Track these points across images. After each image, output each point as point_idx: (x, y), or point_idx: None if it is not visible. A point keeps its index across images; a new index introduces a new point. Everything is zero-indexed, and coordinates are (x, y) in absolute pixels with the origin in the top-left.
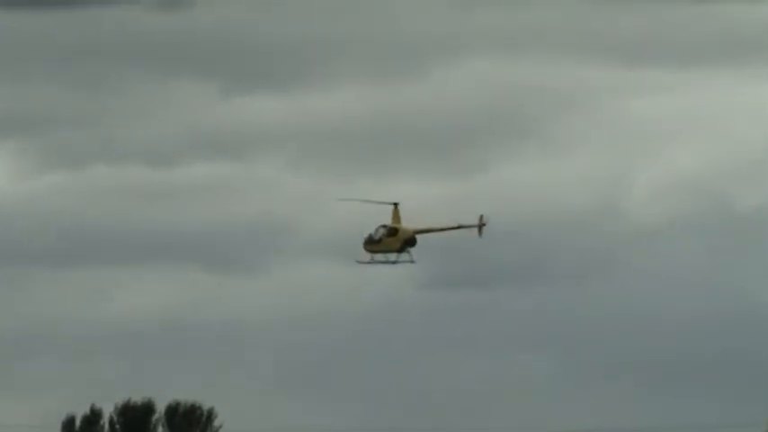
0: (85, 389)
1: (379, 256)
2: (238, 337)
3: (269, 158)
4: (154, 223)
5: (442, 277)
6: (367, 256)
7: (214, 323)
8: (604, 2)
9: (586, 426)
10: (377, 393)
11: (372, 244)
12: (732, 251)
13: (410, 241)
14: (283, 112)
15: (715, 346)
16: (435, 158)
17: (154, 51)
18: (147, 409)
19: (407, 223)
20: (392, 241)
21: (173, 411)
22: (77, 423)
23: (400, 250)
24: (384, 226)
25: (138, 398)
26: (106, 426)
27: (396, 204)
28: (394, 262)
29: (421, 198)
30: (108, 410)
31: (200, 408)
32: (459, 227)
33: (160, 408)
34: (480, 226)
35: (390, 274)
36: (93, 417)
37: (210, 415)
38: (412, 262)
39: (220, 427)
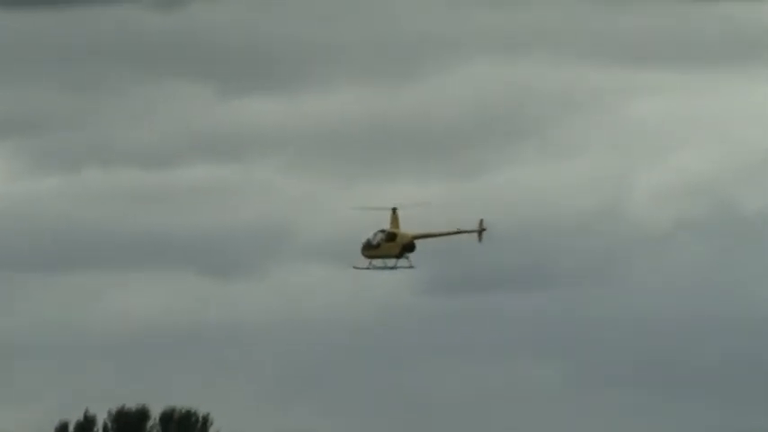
0: (79, 394)
1: (378, 262)
2: (235, 342)
3: (266, 161)
4: (149, 227)
5: (442, 282)
6: (365, 261)
7: (210, 328)
8: (604, 2)
9: None
10: (375, 399)
11: (370, 249)
12: (736, 254)
13: (409, 246)
14: (281, 114)
15: (720, 351)
16: (434, 160)
17: (150, 52)
18: (142, 415)
19: (406, 226)
20: (391, 246)
21: (168, 417)
22: (71, 429)
23: (399, 256)
24: (382, 231)
25: (132, 404)
26: None
27: (394, 209)
28: (393, 268)
29: (420, 200)
30: (102, 417)
31: (195, 414)
32: (459, 232)
33: (155, 414)
34: (480, 231)
35: (389, 279)
36: (87, 423)
37: (206, 421)
38: (411, 267)
39: None
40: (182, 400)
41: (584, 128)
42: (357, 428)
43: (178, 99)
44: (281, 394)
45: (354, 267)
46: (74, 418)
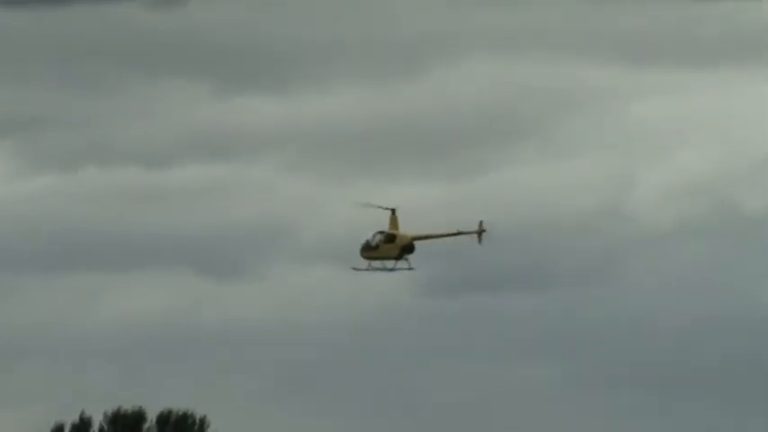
0: (75, 396)
1: (377, 264)
2: (232, 343)
3: (265, 160)
4: (147, 227)
5: (441, 283)
6: (364, 263)
7: (207, 329)
8: (604, 2)
9: None
10: (374, 402)
11: (369, 251)
12: (736, 254)
13: (408, 248)
14: (280, 114)
15: (720, 352)
16: (434, 160)
17: (148, 51)
18: (138, 417)
19: (406, 227)
20: (390, 248)
21: (164, 419)
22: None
23: (398, 257)
24: (381, 232)
25: (128, 406)
26: None
27: (393, 210)
28: (392, 269)
29: (420, 201)
30: (98, 419)
31: (192, 416)
32: (459, 233)
33: (151, 416)
34: (480, 233)
35: (388, 280)
36: (83, 425)
37: (203, 423)
38: (410, 269)
39: None
40: (179, 401)
41: (585, 128)
42: (356, 430)
43: (177, 98)
44: (278, 396)
45: (353, 269)
46: (69, 420)
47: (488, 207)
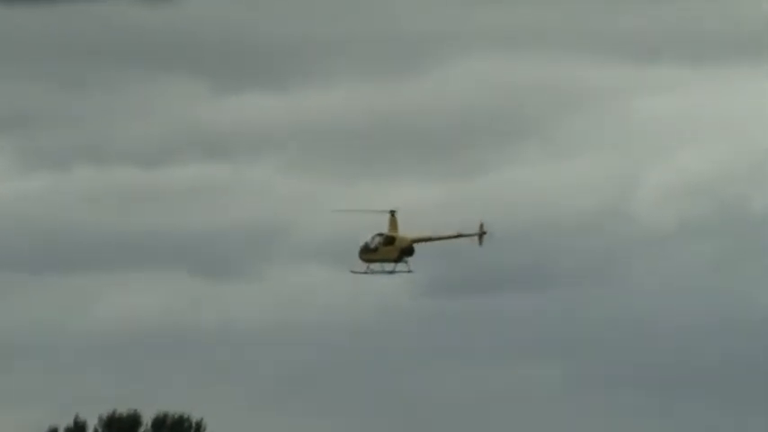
0: (69, 399)
1: (376, 266)
2: (228, 346)
3: (264, 159)
4: (143, 226)
5: (441, 283)
6: (362, 265)
7: (203, 331)
8: (604, 2)
9: None
10: (374, 402)
11: (368, 253)
12: (739, 254)
13: (408, 251)
14: (279, 112)
15: (721, 352)
16: (434, 159)
17: (144, 48)
18: (134, 420)
19: (405, 228)
20: (389, 250)
21: (160, 423)
22: None
23: (398, 260)
24: (380, 234)
25: (123, 409)
26: None
27: (393, 212)
28: (391, 272)
29: (420, 201)
30: (92, 422)
31: (188, 419)
32: (459, 235)
33: (147, 419)
34: (480, 234)
35: (387, 281)
36: (77, 429)
37: (199, 427)
38: (409, 272)
39: None
40: (174, 404)
41: (585, 127)
42: (356, 431)
43: (174, 96)
44: (276, 399)
45: (352, 271)
46: (63, 423)
47: (488, 207)
